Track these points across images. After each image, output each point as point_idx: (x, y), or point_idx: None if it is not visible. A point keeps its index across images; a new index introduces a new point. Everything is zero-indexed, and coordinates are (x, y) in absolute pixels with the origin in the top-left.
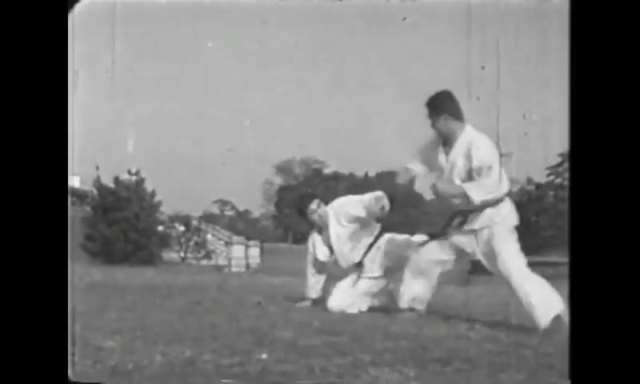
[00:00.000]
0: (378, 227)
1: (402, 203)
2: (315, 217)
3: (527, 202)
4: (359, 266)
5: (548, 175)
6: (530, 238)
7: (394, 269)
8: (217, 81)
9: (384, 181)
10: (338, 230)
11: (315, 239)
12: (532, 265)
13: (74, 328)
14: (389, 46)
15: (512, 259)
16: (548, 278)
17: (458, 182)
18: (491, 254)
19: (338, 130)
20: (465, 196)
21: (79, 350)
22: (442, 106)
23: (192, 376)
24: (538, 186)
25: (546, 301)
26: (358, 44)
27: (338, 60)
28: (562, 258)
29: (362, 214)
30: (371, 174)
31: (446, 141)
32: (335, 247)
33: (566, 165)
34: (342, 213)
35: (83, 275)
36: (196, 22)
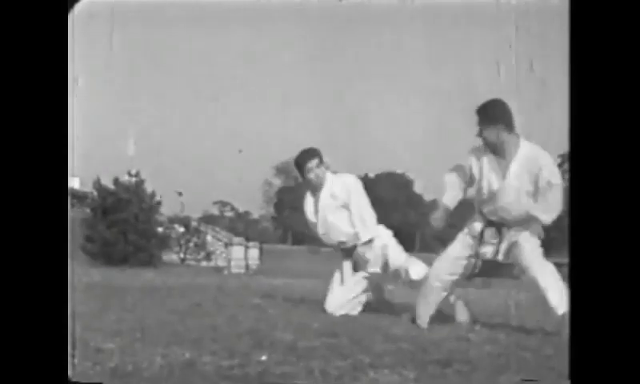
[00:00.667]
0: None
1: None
2: (312, 175)
3: None
4: (347, 252)
5: None
6: None
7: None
8: (217, 82)
9: (383, 182)
10: (328, 200)
11: (308, 200)
12: None
13: (74, 329)
14: (389, 47)
15: (535, 252)
16: None
17: (524, 199)
18: (515, 250)
19: (338, 131)
20: (531, 218)
21: (79, 352)
22: (495, 115)
23: (192, 378)
24: None
25: (562, 292)
26: (358, 45)
27: (338, 61)
28: (563, 259)
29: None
30: (371, 175)
31: (494, 151)
32: (320, 211)
33: (566, 166)
34: (341, 187)
35: (83, 276)
36: (196, 24)
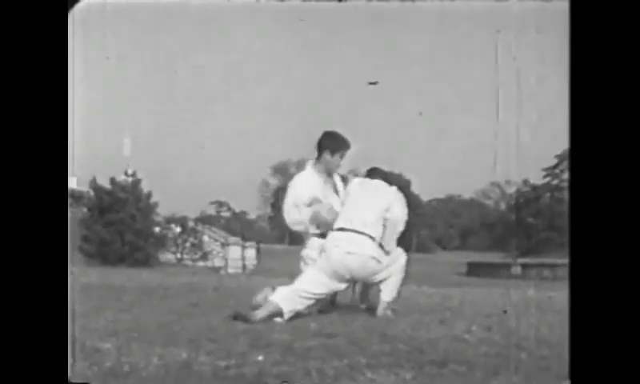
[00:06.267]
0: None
1: None
2: (337, 163)
3: (523, 203)
4: None
5: (544, 177)
6: (526, 240)
7: None
8: (214, 83)
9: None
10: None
11: (312, 178)
12: (529, 266)
13: (72, 329)
14: (387, 48)
15: None
16: (545, 279)
17: None
18: None
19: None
20: None
21: (75, 352)
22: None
23: (188, 378)
24: (535, 188)
25: None
26: (355, 45)
27: (335, 61)
28: (558, 259)
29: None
30: None
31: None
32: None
33: (562, 166)
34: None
35: (80, 276)
36: (195, 24)
